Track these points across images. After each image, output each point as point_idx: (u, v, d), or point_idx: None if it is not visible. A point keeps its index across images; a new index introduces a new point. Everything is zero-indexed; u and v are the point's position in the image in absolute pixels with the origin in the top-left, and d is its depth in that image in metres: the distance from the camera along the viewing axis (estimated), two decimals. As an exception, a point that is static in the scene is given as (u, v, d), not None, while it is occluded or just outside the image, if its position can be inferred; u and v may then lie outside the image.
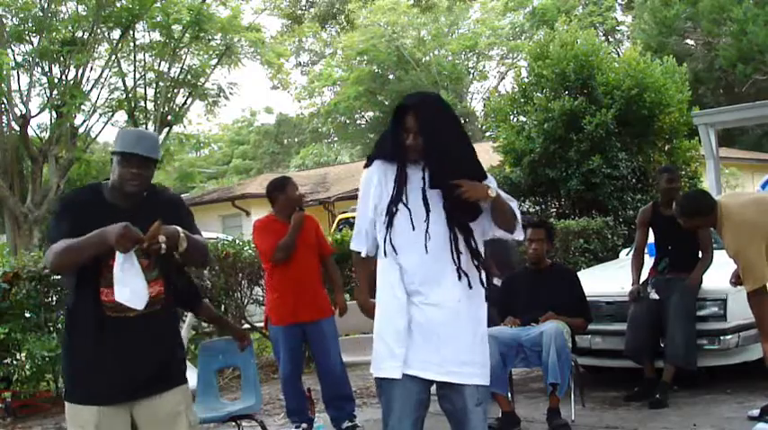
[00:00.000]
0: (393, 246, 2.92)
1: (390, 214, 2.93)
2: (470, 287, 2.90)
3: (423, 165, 2.94)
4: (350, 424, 4.99)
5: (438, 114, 2.93)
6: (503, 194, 2.96)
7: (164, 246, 2.66)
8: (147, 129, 17.87)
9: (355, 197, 5.35)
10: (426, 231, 2.88)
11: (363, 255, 3.09)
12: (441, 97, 3.16)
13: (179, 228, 2.74)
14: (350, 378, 5.18)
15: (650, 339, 5.45)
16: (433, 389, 2.98)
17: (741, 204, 4.65)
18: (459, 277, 2.88)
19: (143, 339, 2.79)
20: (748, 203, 4.67)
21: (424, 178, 2.93)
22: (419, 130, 2.87)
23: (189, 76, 18.70)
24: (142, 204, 2.87)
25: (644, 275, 5.75)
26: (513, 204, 3.00)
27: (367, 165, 3.07)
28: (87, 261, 2.68)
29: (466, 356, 2.89)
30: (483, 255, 2.97)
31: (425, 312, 2.88)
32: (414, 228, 2.90)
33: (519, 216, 3.01)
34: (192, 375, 5.58)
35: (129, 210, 2.81)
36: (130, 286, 2.64)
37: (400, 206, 2.92)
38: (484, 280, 2.97)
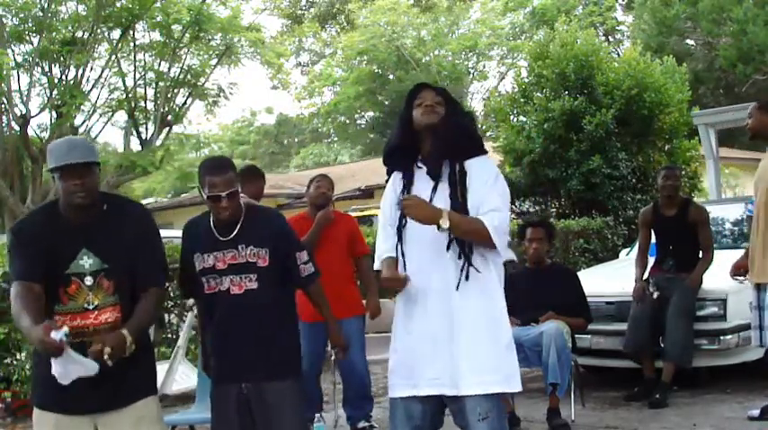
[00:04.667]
0: (404, 259, 2.90)
1: (399, 226, 2.91)
2: (471, 284, 2.81)
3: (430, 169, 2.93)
4: (366, 424, 4.99)
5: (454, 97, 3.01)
6: (466, 218, 2.76)
7: (108, 358, 2.53)
8: (147, 129, 17.90)
9: (355, 197, 5.40)
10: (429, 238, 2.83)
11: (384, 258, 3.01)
12: None
13: (124, 332, 2.61)
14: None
15: (650, 338, 5.45)
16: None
17: None
18: (466, 278, 2.80)
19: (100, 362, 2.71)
20: None
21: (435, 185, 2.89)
22: (443, 102, 2.90)
23: (189, 76, 18.67)
24: (101, 219, 2.77)
25: (645, 274, 5.76)
26: (498, 217, 2.79)
27: (388, 178, 3.08)
28: None
29: (467, 363, 2.74)
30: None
31: (425, 322, 2.82)
32: (420, 236, 2.85)
33: (499, 236, 2.80)
34: (191, 375, 5.62)
35: (86, 227, 2.73)
36: (73, 374, 2.54)
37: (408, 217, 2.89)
38: (496, 277, 2.89)
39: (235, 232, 3.15)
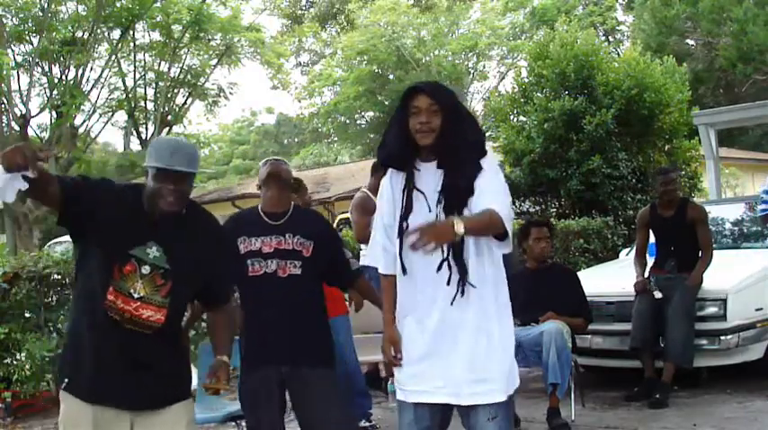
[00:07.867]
0: (404, 265, 2.84)
1: (401, 231, 2.82)
2: (464, 292, 2.77)
3: (435, 165, 2.82)
4: (367, 424, 4.98)
5: (452, 95, 2.84)
6: (475, 217, 2.67)
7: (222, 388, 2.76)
8: (146, 129, 17.92)
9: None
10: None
11: (382, 271, 2.94)
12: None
13: (225, 359, 2.82)
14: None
15: (655, 332, 5.46)
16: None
17: None
18: (462, 294, 2.76)
19: (142, 353, 2.70)
20: None
21: (440, 183, 2.80)
22: (439, 109, 2.74)
23: (189, 76, 18.71)
24: (177, 224, 2.72)
25: (645, 274, 5.75)
26: (505, 202, 2.76)
27: (384, 173, 2.98)
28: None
29: (479, 373, 2.77)
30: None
31: (434, 330, 2.80)
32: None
33: (508, 223, 2.73)
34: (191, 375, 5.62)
35: (162, 224, 2.69)
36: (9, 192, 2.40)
37: (410, 220, 2.81)
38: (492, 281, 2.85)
39: (283, 220, 3.44)
